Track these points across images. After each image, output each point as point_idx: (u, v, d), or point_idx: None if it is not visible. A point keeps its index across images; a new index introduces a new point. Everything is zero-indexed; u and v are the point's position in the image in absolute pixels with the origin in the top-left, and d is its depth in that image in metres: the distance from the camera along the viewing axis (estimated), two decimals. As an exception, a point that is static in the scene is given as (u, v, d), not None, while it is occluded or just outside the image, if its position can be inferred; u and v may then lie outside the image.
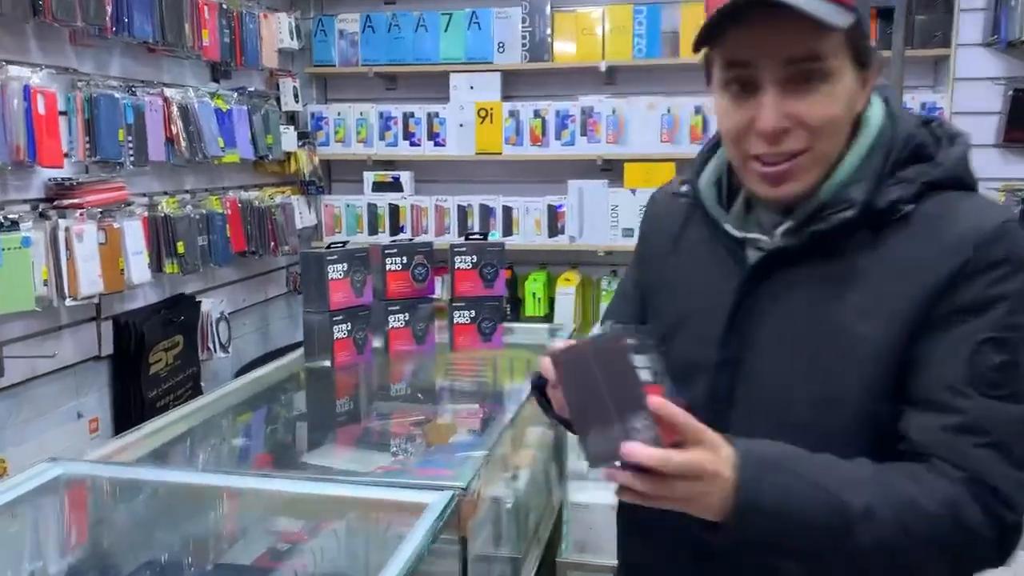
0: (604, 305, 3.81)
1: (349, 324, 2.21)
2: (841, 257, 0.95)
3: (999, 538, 0.87)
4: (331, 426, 2.04)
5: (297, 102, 3.94)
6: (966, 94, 3.48)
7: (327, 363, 2.21)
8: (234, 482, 1.56)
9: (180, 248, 3.05)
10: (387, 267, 2.29)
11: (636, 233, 1.22)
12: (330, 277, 2.17)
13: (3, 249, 2.28)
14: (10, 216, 2.35)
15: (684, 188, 1.09)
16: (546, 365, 0.89)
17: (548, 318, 3.80)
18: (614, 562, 1.16)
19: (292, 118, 3.96)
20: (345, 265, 2.19)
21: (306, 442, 2.00)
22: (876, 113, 0.99)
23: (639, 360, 0.81)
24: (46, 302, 2.50)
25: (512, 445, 2.02)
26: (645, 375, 0.81)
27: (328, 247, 2.19)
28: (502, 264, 2.34)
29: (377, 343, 2.32)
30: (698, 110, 3.72)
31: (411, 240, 2.39)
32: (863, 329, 0.92)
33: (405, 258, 2.31)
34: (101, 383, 2.90)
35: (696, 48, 0.95)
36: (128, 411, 2.94)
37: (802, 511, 0.84)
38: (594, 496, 2.25)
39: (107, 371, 2.91)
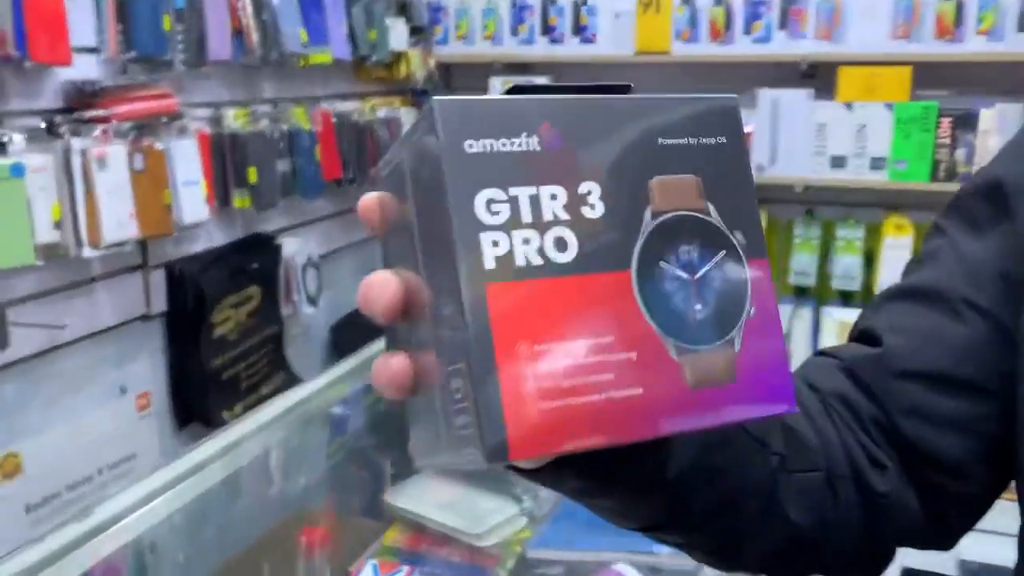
0: (800, 258, 2.94)
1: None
2: None
3: None
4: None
5: (410, -12, 3.13)
6: None
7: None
8: None
9: (252, 176, 2.35)
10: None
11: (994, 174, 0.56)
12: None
13: (-20, 181, 1.63)
14: (-4, 135, 1.69)
15: None
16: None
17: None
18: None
19: (403, 8, 3.16)
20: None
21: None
22: None
23: None
24: (60, 251, 1.85)
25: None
26: None
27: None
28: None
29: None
30: None
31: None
32: None
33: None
34: (152, 348, 2.28)
35: None
36: (187, 384, 2.32)
37: None
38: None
39: (159, 333, 2.29)
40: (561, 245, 0.36)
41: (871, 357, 0.55)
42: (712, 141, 0.40)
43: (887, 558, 0.59)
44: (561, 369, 0.35)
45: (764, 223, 2.82)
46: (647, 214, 0.37)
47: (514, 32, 3.18)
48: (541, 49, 3.16)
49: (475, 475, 1.41)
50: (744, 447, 0.49)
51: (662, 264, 0.37)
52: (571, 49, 3.12)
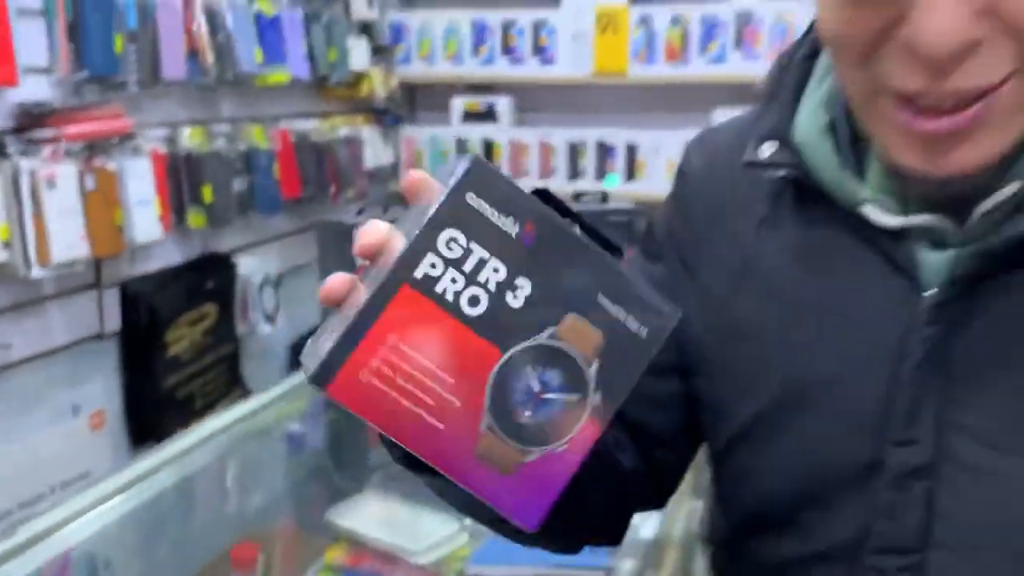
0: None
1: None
2: None
3: None
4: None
5: (372, 8, 3.16)
6: None
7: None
8: None
9: (207, 194, 2.36)
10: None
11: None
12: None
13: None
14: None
15: (770, 152, 0.59)
16: None
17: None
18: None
19: (365, 28, 3.19)
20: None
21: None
22: None
23: None
24: (9, 270, 1.85)
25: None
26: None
27: (358, 212, 1.43)
28: (627, 242, 1.51)
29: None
30: (675, 20, 2.85)
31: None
32: None
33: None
34: (106, 368, 2.27)
35: None
36: (142, 403, 2.32)
37: None
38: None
39: (114, 353, 2.28)
40: (474, 302, 0.44)
41: None
42: (636, 328, 0.46)
43: (627, 526, 0.72)
44: (403, 370, 0.43)
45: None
46: (548, 331, 0.45)
47: (475, 52, 3.23)
48: (501, 69, 3.22)
49: (418, 494, 1.43)
50: None
51: (528, 368, 0.45)
52: (531, 69, 3.17)
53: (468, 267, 0.44)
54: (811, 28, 0.61)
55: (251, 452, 1.56)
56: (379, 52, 3.22)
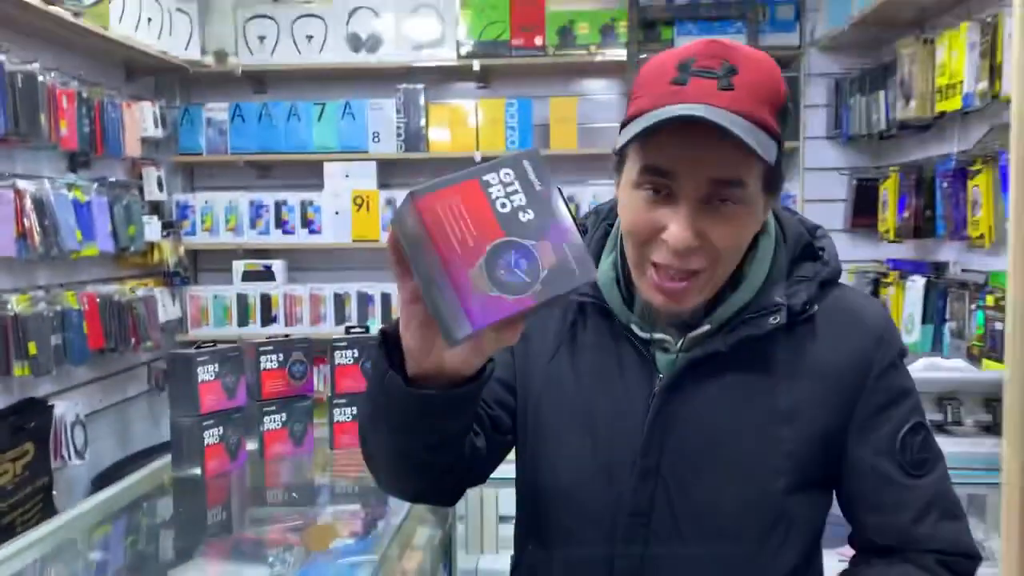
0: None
1: (221, 428, 2.08)
2: (759, 360, 0.97)
3: None
4: (201, 539, 1.90)
5: (162, 191, 3.80)
6: (815, 183, 3.74)
7: (197, 471, 2.07)
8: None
9: (32, 349, 2.83)
10: (262, 366, 2.19)
11: None
12: (200, 379, 2.05)
13: None
14: None
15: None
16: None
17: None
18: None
19: (156, 208, 3.81)
20: (216, 366, 2.08)
21: (172, 556, 1.84)
22: (768, 215, 1.01)
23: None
24: None
25: (400, 547, 1.94)
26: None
27: (197, 346, 2.07)
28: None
29: (252, 446, 2.19)
30: (570, 199, 3.83)
31: (287, 336, 2.30)
32: (784, 432, 0.96)
33: (282, 355, 2.21)
34: (-64, 501, 2.61)
35: (623, 144, 0.93)
36: (-33, 531, 2.66)
37: None
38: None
39: (-57, 487, 2.63)
40: (503, 206, 0.71)
41: None
42: (574, 267, 0.70)
43: (462, 492, 1.05)
44: (456, 213, 0.69)
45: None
46: (531, 242, 0.70)
47: (253, 225, 3.93)
48: (275, 239, 3.93)
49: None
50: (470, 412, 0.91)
51: (512, 251, 0.69)
52: (301, 239, 3.92)
53: (507, 191, 0.70)
54: (603, 217, 1.07)
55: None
56: (169, 227, 3.84)
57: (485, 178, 0.71)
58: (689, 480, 0.97)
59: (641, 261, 0.95)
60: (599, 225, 1.07)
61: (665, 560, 0.98)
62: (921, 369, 2.11)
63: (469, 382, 0.81)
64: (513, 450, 1.10)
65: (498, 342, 0.75)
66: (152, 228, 3.69)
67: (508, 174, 0.71)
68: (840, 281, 1.04)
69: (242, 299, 3.94)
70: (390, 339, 0.82)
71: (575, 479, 1.01)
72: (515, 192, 0.71)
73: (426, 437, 0.87)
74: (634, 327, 1.00)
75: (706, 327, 0.97)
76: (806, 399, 0.97)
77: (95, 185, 3.28)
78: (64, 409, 3.04)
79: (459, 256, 0.68)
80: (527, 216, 0.70)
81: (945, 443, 1.06)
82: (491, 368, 0.82)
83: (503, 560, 2.23)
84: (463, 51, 3.81)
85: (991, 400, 2.00)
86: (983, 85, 2.49)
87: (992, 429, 2.01)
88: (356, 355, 2.26)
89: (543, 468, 1.03)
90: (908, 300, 3.04)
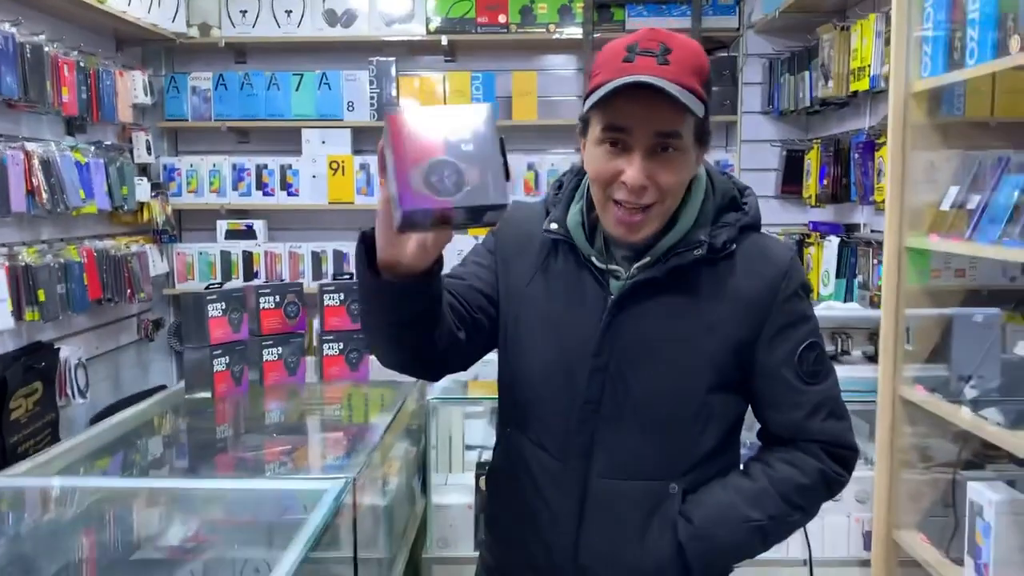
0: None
1: (227, 358, 2.42)
2: (688, 285, 1.22)
3: (849, 471, 1.26)
4: (214, 450, 2.25)
5: (150, 154, 4.07)
6: (750, 154, 4.13)
7: (207, 395, 2.41)
8: (138, 484, 1.73)
9: (41, 296, 3.13)
10: (261, 306, 2.53)
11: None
12: (209, 315, 2.38)
13: None
14: None
15: (554, 226, 1.27)
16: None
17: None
18: (471, 554, 1.37)
19: (145, 170, 4.08)
20: (223, 304, 2.42)
21: (188, 462, 2.20)
22: (700, 172, 1.26)
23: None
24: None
25: (380, 459, 2.31)
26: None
27: (206, 287, 2.41)
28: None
29: (253, 375, 2.54)
30: (530, 167, 4.18)
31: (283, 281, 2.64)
32: (707, 342, 1.21)
33: (278, 297, 2.55)
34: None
35: (587, 110, 1.18)
36: (-8, 456, 2.96)
37: (737, 548, 1.24)
38: (453, 499, 2.56)
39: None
40: (452, 135, 0.92)
41: (455, 285, 1.27)
42: (491, 189, 0.91)
43: (445, 372, 1.26)
44: (414, 131, 0.92)
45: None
46: (463, 165, 0.91)
47: (235, 187, 4.23)
48: (256, 200, 4.23)
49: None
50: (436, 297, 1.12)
51: (447, 167, 0.91)
52: (280, 200, 4.22)
53: (459, 125, 0.92)
54: (573, 172, 1.30)
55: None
56: (157, 188, 4.11)
57: (446, 111, 0.94)
58: (630, 377, 1.21)
59: (605, 200, 1.19)
60: (571, 180, 1.31)
61: (611, 438, 1.22)
62: (821, 309, 2.52)
63: (426, 276, 1.05)
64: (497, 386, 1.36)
65: (436, 242, 1.01)
66: (142, 189, 3.96)
67: (466, 115, 0.94)
68: (764, 233, 1.29)
69: (225, 256, 4.24)
70: (367, 239, 1.06)
71: (543, 373, 1.25)
72: (464, 128, 0.92)
73: (391, 315, 1.10)
74: (594, 259, 1.24)
75: (647, 259, 1.22)
76: (725, 317, 1.21)
77: (92, 148, 3.56)
78: (68, 353, 3.34)
79: (408, 161, 0.90)
80: (468, 147, 0.92)
81: (836, 370, 1.29)
82: (439, 268, 1.07)
83: (467, 478, 2.61)
84: (432, 27, 4.12)
85: (874, 335, 2.42)
86: (887, 68, 2.88)
87: (874, 359, 2.42)
88: (342, 298, 2.61)
89: (520, 365, 1.28)
90: (825, 258, 3.46)
